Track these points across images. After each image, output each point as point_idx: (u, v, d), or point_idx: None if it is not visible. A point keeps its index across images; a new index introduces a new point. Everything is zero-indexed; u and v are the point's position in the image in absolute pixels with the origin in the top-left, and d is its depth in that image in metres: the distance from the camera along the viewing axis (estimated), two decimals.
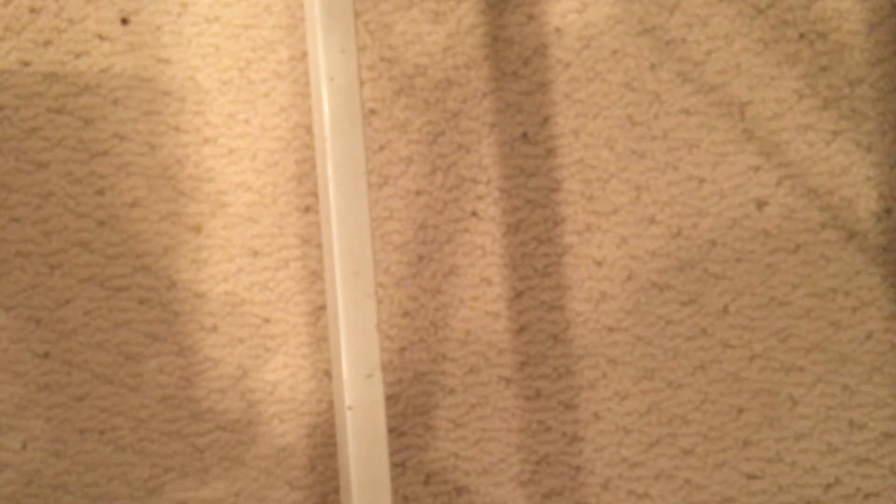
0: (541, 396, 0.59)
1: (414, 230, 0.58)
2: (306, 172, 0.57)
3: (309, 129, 0.57)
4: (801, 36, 0.63)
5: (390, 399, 0.58)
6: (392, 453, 0.57)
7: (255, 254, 0.56)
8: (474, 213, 0.59)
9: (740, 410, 0.61)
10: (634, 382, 0.60)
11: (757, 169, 0.62)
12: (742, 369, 0.61)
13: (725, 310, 0.61)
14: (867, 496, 0.62)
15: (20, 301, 0.54)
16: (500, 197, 0.59)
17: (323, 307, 0.57)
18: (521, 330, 0.59)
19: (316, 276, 0.57)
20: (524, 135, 0.60)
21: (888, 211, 0.63)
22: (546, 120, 0.60)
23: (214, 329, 0.56)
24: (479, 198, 0.59)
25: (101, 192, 0.55)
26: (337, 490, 0.56)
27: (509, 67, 0.60)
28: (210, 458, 0.55)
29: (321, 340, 0.57)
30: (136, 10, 0.56)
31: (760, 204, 0.62)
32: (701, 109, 0.61)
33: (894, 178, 0.63)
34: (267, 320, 0.56)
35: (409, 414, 0.58)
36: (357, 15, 0.58)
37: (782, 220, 0.62)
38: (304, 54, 0.57)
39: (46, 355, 0.54)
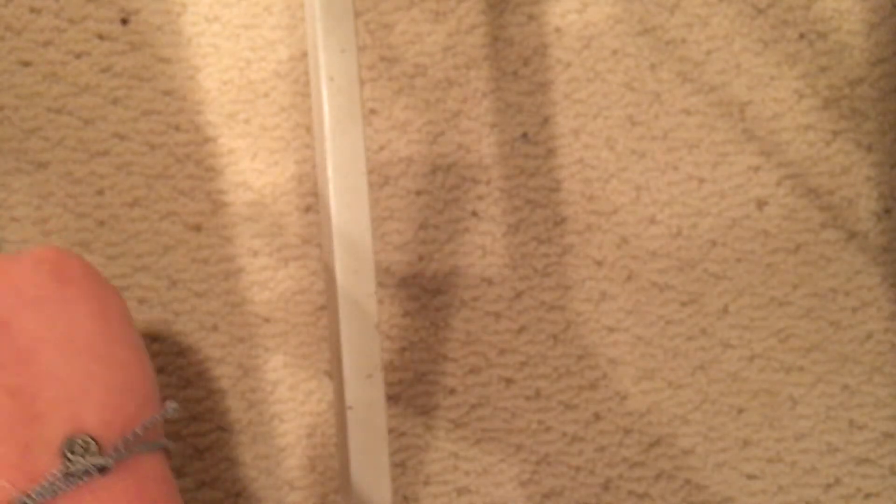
0: (541, 396, 0.59)
1: (414, 230, 0.58)
2: (306, 172, 0.57)
3: (309, 129, 0.57)
4: (801, 36, 0.63)
5: (390, 399, 0.57)
6: (392, 453, 0.57)
7: (255, 254, 0.56)
8: (474, 213, 0.59)
9: (740, 410, 0.61)
10: (634, 382, 0.60)
11: (757, 169, 0.62)
12: (742, 369, 0.61)
13: (725, 310, 0.61)
14: (867, 496, 0.62)
15: None
16: (500, 197, 0.59)
17: (323, 307, 0.57)
18: (521, 330, 0.59)
19: (316, 276, 0.57)
20: (524, 135, 0.60)
21: (888, 211, 0.63)
22: (546, 120, 0.60)
23: (214, 329, 0.56)
24: (479, 198, 0.59)
25: (100, 192, 0.55)
26: (337, 490, 0.56)
27: (509, 67, 0.60)
28: (210, 458, 0.55)
29: (321, 340, 0.57)
30: (136, 10, 0.56)
31: (760, 204, 0.62)
32: (701, 109, 0.61)
33: (894, 178, 0.63)
34: (267, 320, 0.56)
35: (409, 414, 0.58)
36: (357, 15, 0.58)
37: (782, 220, 0.62)
38: (304, 54, 0.57)
39: None
